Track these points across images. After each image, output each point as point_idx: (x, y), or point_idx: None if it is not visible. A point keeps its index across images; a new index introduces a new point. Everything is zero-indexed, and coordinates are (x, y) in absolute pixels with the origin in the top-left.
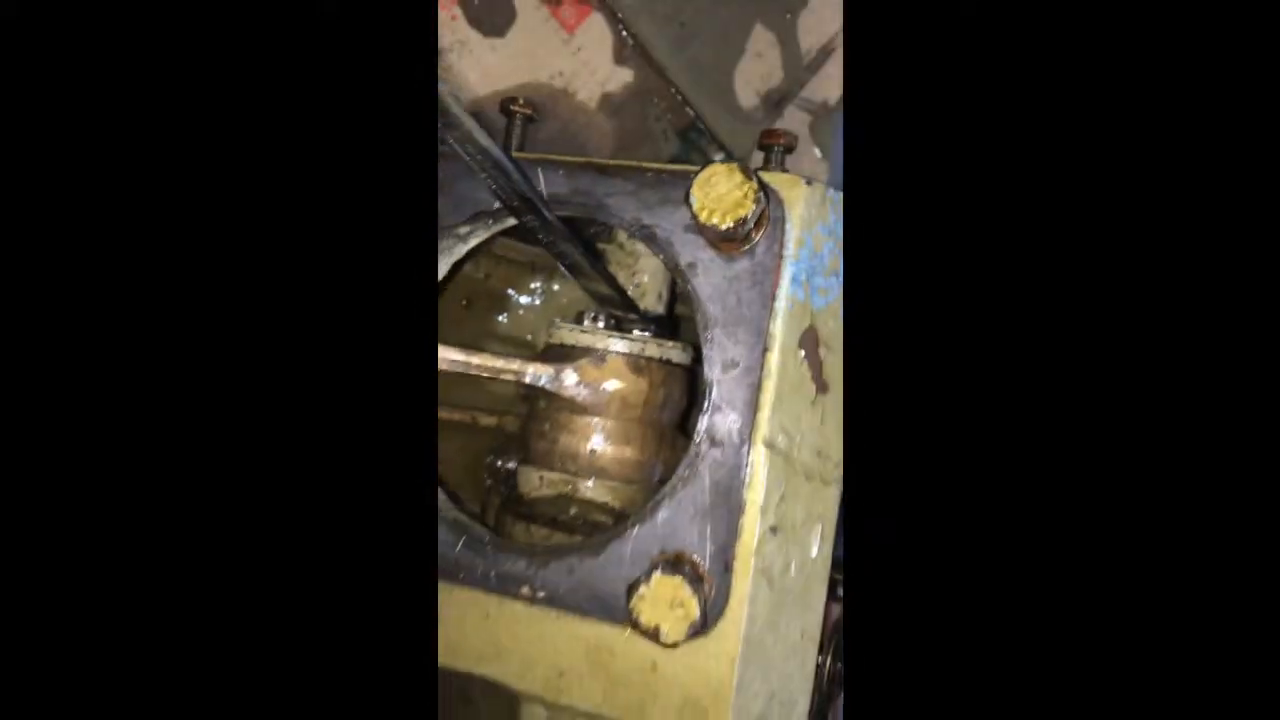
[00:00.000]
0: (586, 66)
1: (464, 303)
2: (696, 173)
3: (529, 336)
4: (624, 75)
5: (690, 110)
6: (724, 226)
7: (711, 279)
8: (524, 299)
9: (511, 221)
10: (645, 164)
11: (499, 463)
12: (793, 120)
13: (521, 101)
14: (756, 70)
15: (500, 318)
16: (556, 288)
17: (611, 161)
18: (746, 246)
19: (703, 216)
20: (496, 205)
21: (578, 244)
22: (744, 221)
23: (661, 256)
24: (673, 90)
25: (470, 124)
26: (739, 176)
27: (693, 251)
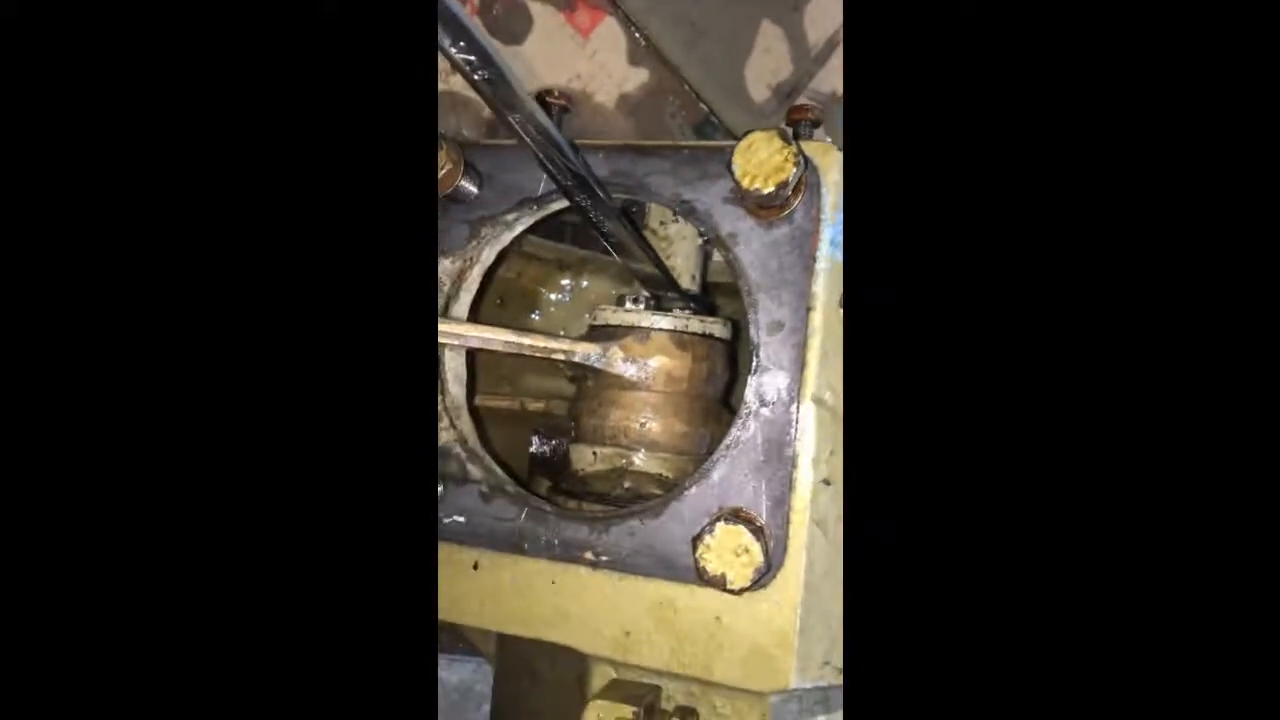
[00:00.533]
0: (603, 69)
1: (498, 301)
2: (737, 142)
3: (561, 332)
4: (639, 75)
5: (704, 106)
6: (766, 190)
7: (752, 246)
8: (554, 296)
9: (555, 206)
10: (681, 143)
11: (543, 446)
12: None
13: (556, 93)
14: (766, 65)
15: (533, 315)
16: (585, 283)
17: (649, 142)
18: (785, 213)
19: (745, 182)
20: (540, 192)
21: (625, 222)
22: (785, 185)
23: (702, 229)
24: (686, 87)
25: (532, 105)
26: (778, 142)
27: (733, 222)
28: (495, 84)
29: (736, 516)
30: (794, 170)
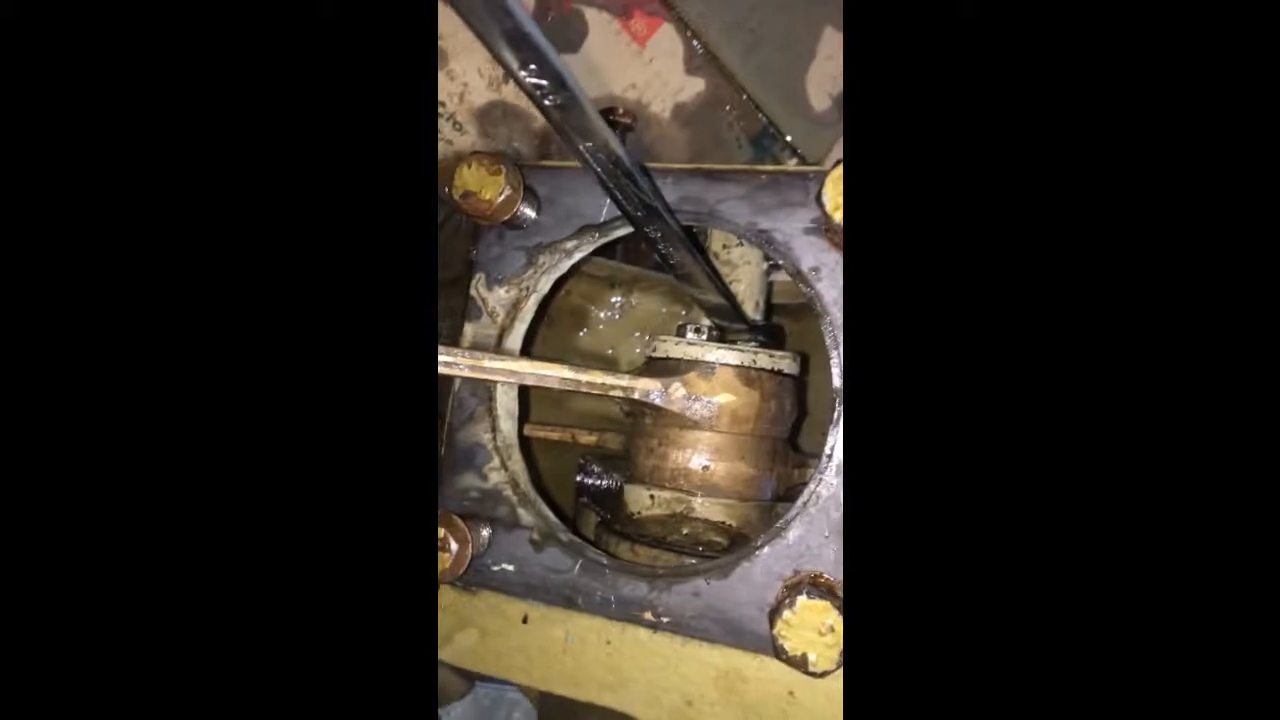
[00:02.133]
0: (659, 78)
1: (547, 321)
2: (825, 171)
3: (609, 351)
4: (696, 85)
5: (762, 116)
6: None
7: (838, 283)
8: (603, 314)
9: (618, 233)
10: (758, 168)
11: (593, 481)
12: None
13: (621, 111)
14: (827, 72)
15: (581, 333)
16: (635, 301)
17: (722, 166)
18: None
19: (837, 216)
20: (603, 218)
21: (695, 252)
22: None
23: (781, 262)
24: (744, 97)
25: (606, 133)
26: None
27: (815, 255)
28: (567, 110)
29: (816, 585)
30: (844, 216)
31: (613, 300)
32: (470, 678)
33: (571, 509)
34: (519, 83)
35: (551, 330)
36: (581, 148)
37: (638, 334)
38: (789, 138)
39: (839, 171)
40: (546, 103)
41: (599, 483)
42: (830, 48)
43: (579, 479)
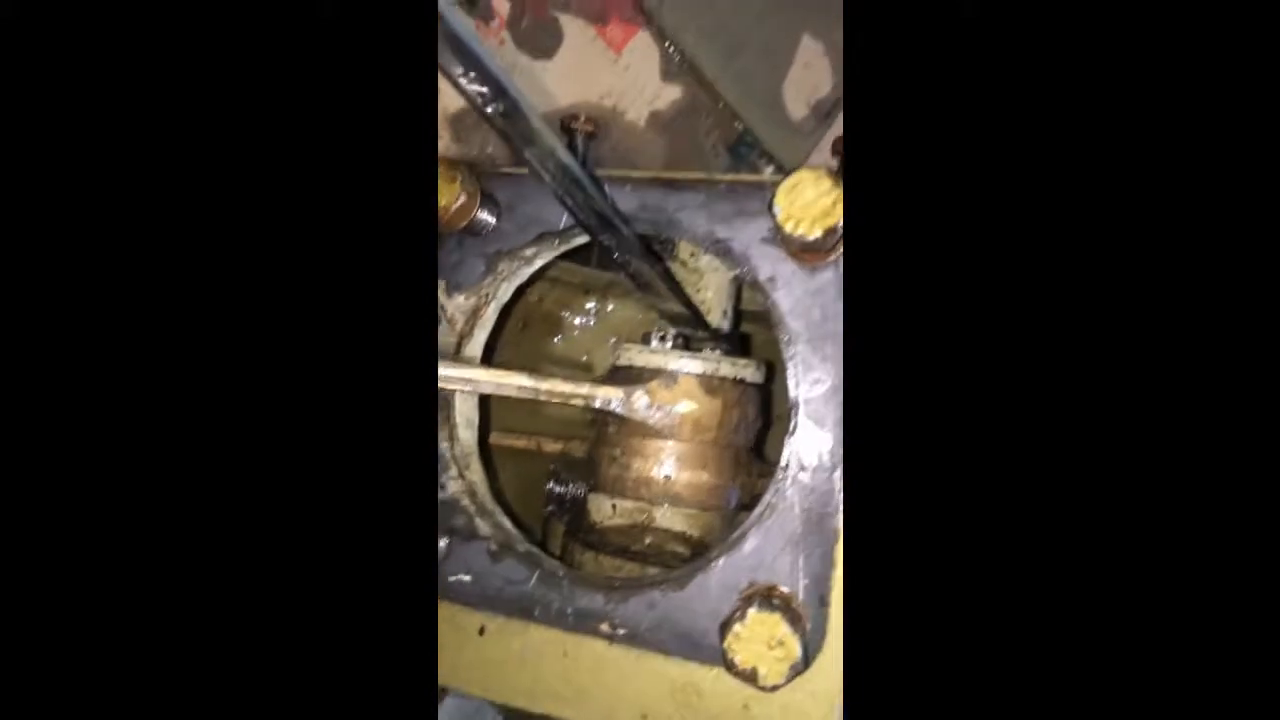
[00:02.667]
0: (635, 85)
1: (520, 326)
2: (779, 181)
3: (584, 357)
4: (672, 92)
5: (739, 124)
6: (811, 237)
7: (793, 292)
8: (578, 320)
9: (577, 241)
10: (716, 176)
11: (560, 488)
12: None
13: (584, 118)
14: (806, 80)
15: (555, 339)
16: (610, 307)
17: (681, 175)
18: (830, 257)
19: (788, 227)
20: (562, 226)
21: (652, 261)
22: (833, 232)
23: (739, 271)
24: (721, 105)
25: (552, 140)
26: (826, 183)
27: (772, 264)
28: (510, 117)
29: (769, 598)
30: (844, 217)
31: (587, 306)
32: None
33: (540, 518)
34: (460, 90)
35: (525, 336)
36: (528, 154)
37: (613, 340)
38: (766, 146)
39: (790, 181)
40: (489, 110)
41: (567, 490)
42: (808, 55)
43: (548, 486)
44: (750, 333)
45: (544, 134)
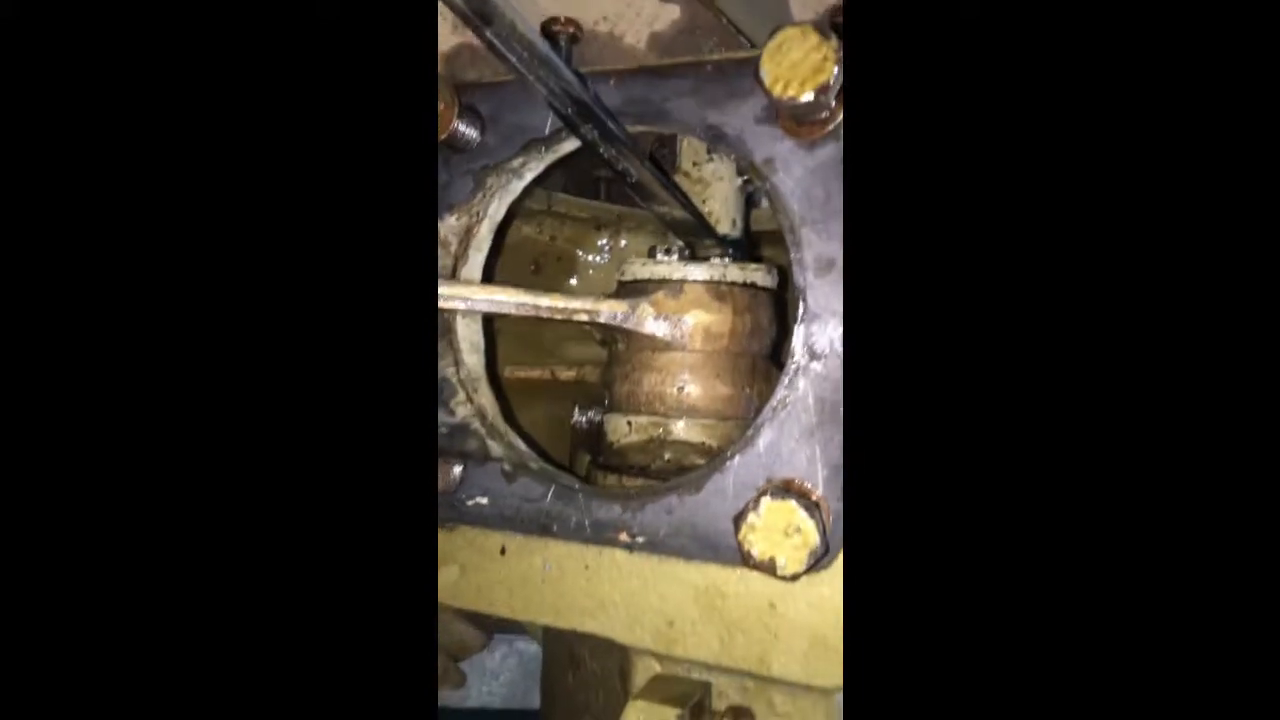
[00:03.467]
0: (631, 7)
1: (532, 268)
2: (765, 44)
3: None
4: (671, 12)
5: (745, 41)
6: (803, 97)
7: (794, 173)
8: (592, 257)
9: (567, 147)
10: (704, 58)
11: (584, 418)
12: None
13: (564, 19)
14: None
15: (571, 280)
16: (624, 243)
17: (667, 61)
18: (829, 127)
19: (777, 90)
20: (549, 130)
21: (644, 157)
22: (825, 88)
23: (734, 156)
24: (725, 21)
25: (512, 13)
26: (815, 38)
27: (770, 145)
28: None
29: (787, 490)
30: (835, 70)
31: (600, 243)
32: (486, 628)
33: (569, 455)
34: None
35: (539, 278)
36: (489, 35)
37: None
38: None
39: (775, 41)
40: None
41: (589, 420)
42: None
43: (573, 420)
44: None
45: (502, 6)
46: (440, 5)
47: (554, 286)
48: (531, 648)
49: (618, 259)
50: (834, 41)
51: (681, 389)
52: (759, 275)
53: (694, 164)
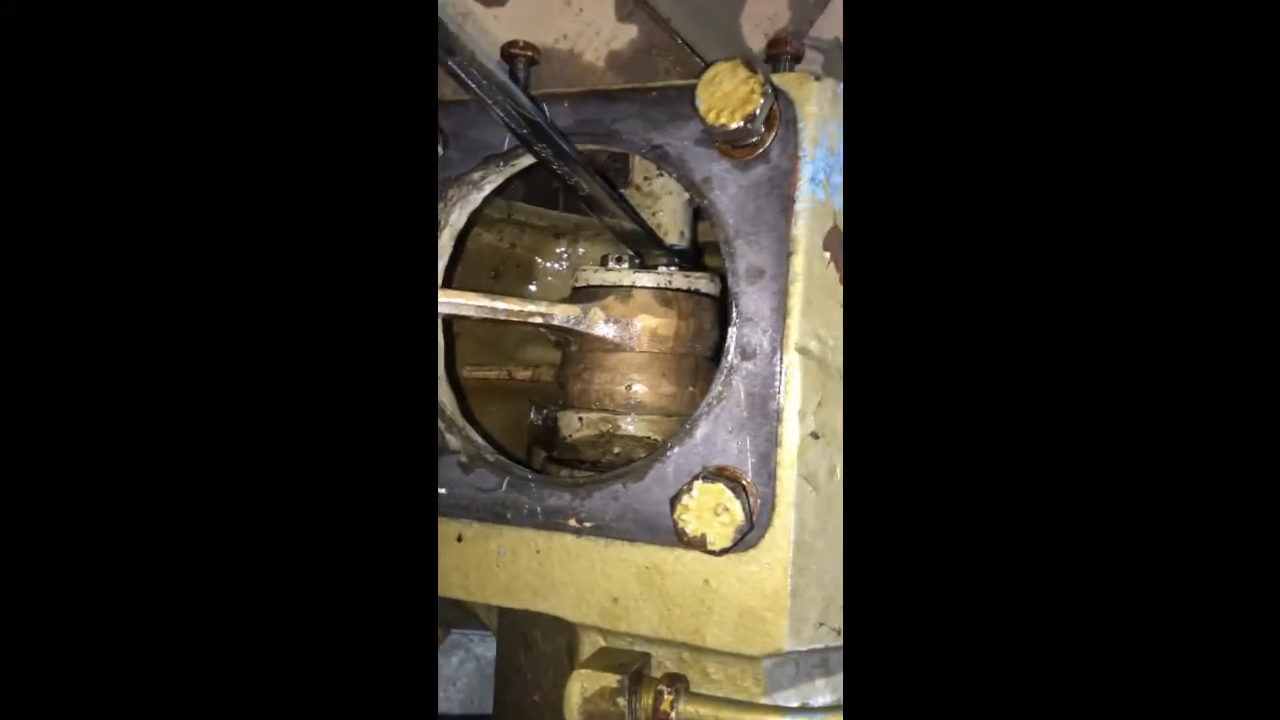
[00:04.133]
0: (590, 27)
1: (492, 274)
2: (700, 76)
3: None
4: (629, 31)
5: (699, 59)
6: (733, 125)
7: (728, 190)
8: (550, 264)
9: (524, 162)
10: (650, 85)
11: (539, 418)
12: (804, 61)
13: (522, 44)
14: (763, 12)
15: (530, 286)
16: (582, 251)
17: (616, 86)
18: (760, 150)
19: (710, 118)
20: (506, 147)
21: (594, 173)
22: (752, 117)
23: (675, 175)
24: (679, 41)
25: (472, 44)
26: (743, 71)
27: (707, 165)
28: None
29: (719, 475)
30: (761, 101)
31: (558, 250)
32: (444, 624)
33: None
34: None
35: (499, 285)
36: (451, 64)
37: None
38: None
39: (709, 74)
40: None
41: (545, 418)
42: None
43: (530, 419)
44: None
45: (462, 39)
46: None
47: (513, 291)
48: (489, 654)
49: (575, 266)
50: (759, 75)
51: (629, 387)
52: (702, 283)
53: (645, 179)
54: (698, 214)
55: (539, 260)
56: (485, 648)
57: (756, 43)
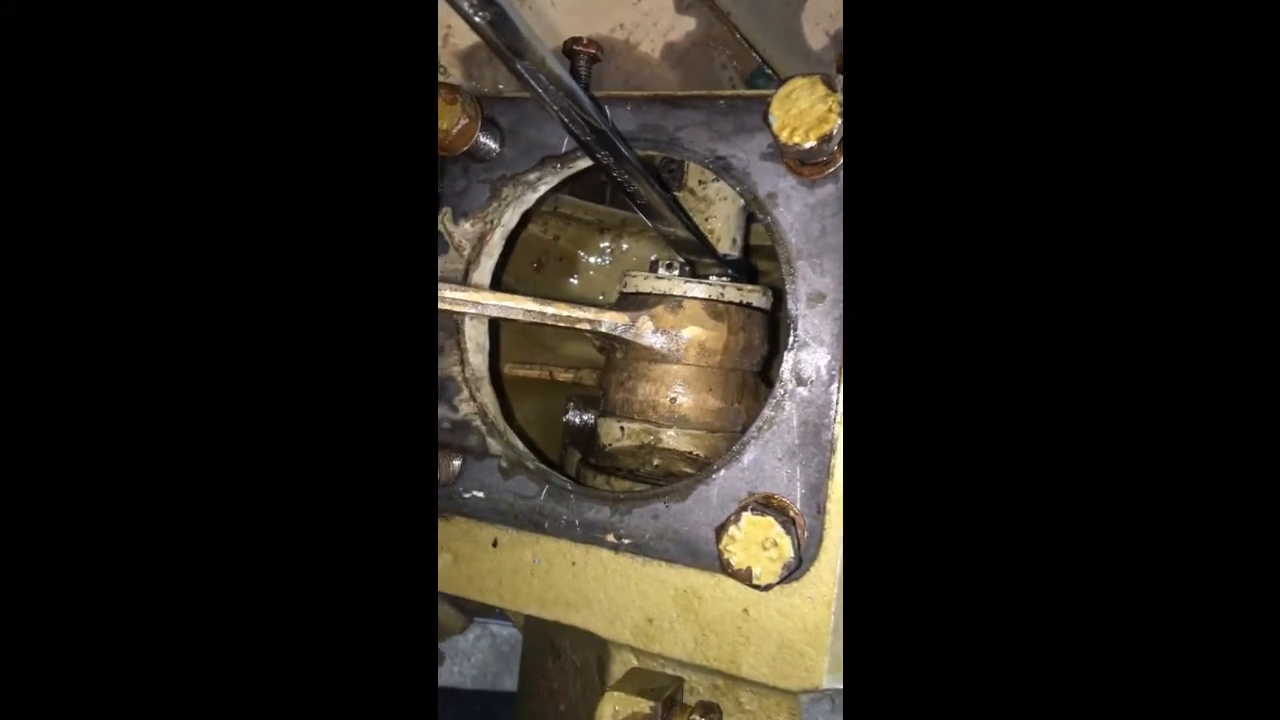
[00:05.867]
0: (648, 17)
1: (535, 264)
2: (775, 90)
3: (600, 296)
4: (686, 23)
5: (756, 55)
6: (807, 145)
7: (793, 208)
8: (593, 259)
9: (580, 165)
10: (717, 93)
11: (576, 418)
12: None
13: (586, 41)
14: (824, 9)
15: (571, 279)
16: (625, 247)
17: (682, 93)
18: (830, 169)
19: (784, 136)
20: (565, 149)
21: (653, 182)
22: (828, 138)
23: (739, 189)
24: (738, 35)
25: (543, 50)
26: (822, 89)
27: (772, 180)
28: (498, 26)
29: (767, 505)
30: (839, 122)
31: (602, 245)
32: (468, 612)
33: (560, 449)
34: (449, 2)
35: (541, 276)
36: (520, 67)
37: (619, 283)
38: (784, 77)
39: (785, 89)
40: (477, 19)
41: (581, 420)
42: None
43: (565, 417)
44: (763, 270)
45: (534, 44)
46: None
47: (555, 284)
48: (504, 631)
49: (618, 261)
50: (839, 94)
51: (674, 399)
52: (755, 296)
53: (700, 182)
54: (750, 220)
55: (582, 254)
56: (501, 625)
57: (817, 40)
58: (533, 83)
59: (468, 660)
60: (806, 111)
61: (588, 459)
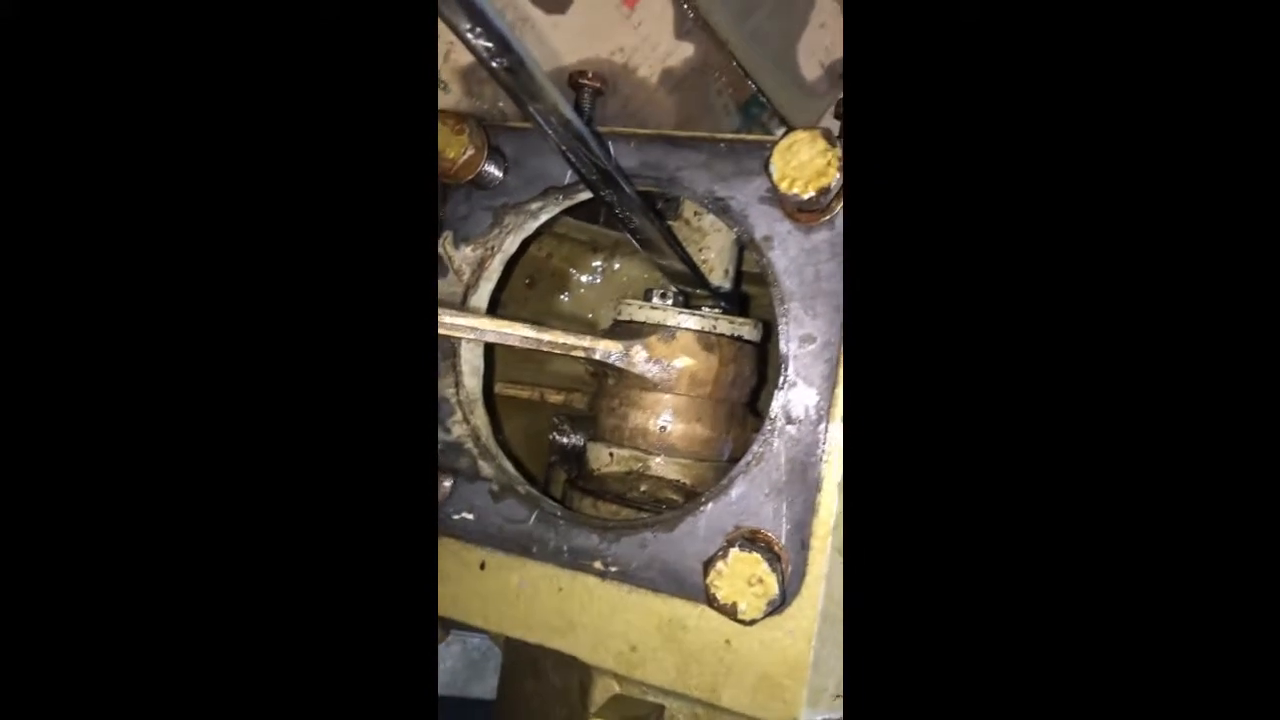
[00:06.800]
0: (647, 41)
1: (527, 281)
2: (776, 141)
3: (590, 315)
4: (685, 50)
5: (752, 84)
6: (805, 196)
7: (789, 252)
8: (585, 277)
9: (581, 197)
10: (718, 135)
11: (564, 439)
12: None
13: (590, 74)
14: (820, 41)
15: (562, 296)
16: (617, 266)
17: (683, 133)
18: (826, 217)
19: (783, 186)
20: (567, 181)
21: (653, 218)
22: (826, 191)
23: (736, 230)
24: (734, 64)
25: (556, 96)
26: (821, 144)
27: (769, 223)
28: (515, 72)
29: (753, 540)
30: (836, 176)
31: (594, 264)
32: (447, 626)
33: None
34: (466, 44)
35: (533, 293)
36: (533, 109)
37: (613, 310)
38: (778, 106)
39: (786, 141)
40: (494, 65)
41: (569, 440)
42: (824, 15)
43: (552, 436)
44: (753, 295)
45: (548, 90)
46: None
47: (546, 301)
48: (474, 639)
49: (609, 280)
50: (837, 149)
51: (664, 428)
52: (746, 329)
53: (695, 213)
54: (743, 250)
55: (574, 272)
56: (471, 634)
57: (811, 71)
58: (544, 124)
59: (439, 667)
60: (806, 164)
61: (575, 481)
